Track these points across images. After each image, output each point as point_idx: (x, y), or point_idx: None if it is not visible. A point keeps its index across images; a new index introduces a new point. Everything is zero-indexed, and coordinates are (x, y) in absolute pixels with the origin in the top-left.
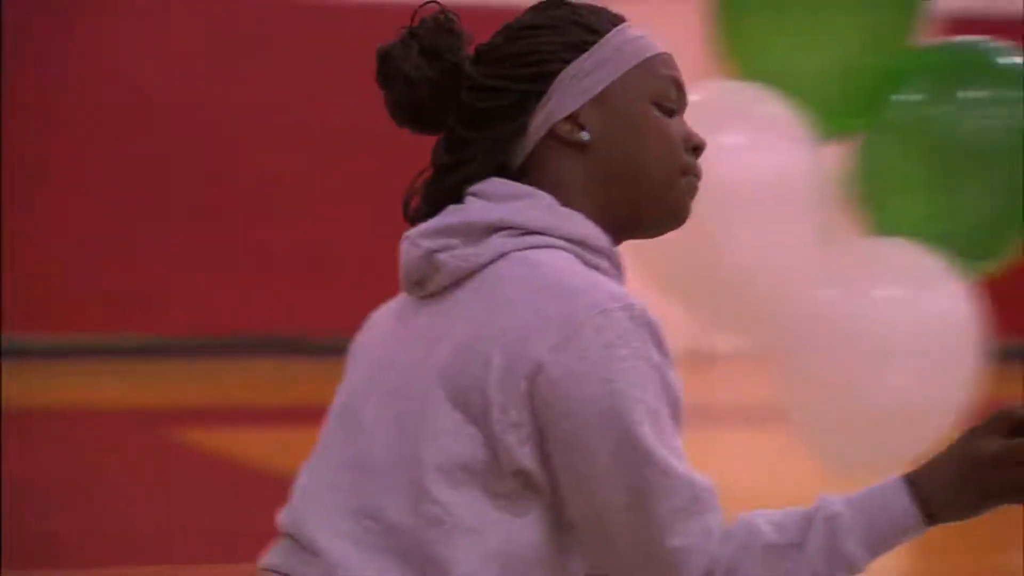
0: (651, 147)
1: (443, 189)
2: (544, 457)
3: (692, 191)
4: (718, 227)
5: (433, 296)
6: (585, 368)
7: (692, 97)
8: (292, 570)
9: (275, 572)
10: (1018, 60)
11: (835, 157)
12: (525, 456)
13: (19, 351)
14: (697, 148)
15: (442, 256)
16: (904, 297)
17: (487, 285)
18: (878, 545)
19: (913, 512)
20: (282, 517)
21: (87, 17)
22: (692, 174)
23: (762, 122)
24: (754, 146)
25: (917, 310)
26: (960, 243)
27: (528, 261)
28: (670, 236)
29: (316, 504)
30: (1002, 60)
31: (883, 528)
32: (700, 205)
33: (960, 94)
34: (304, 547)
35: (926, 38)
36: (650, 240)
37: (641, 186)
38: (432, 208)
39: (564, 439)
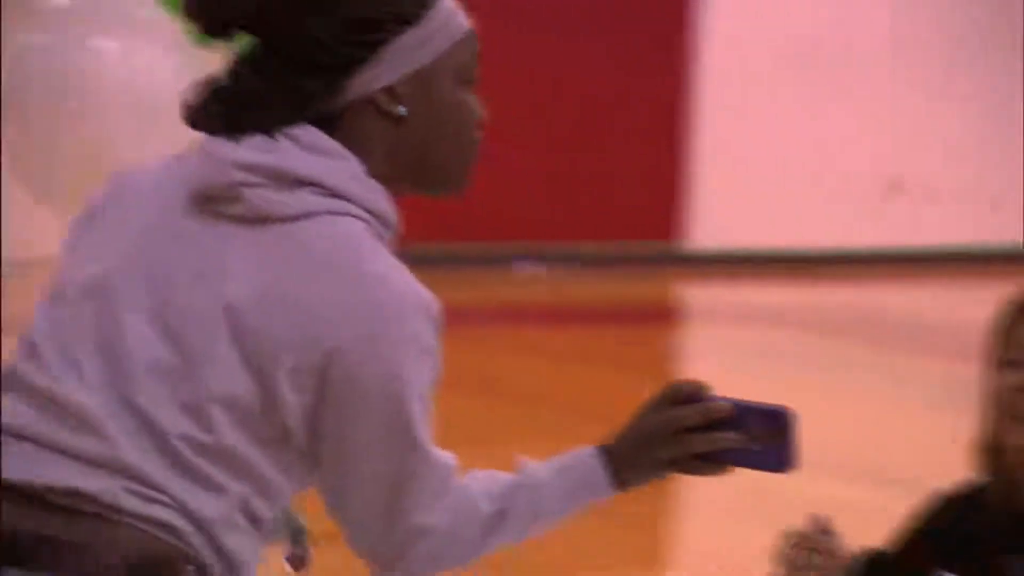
0: (459, 125)
1: (244, 116)
2: (314, 424)
3: (476, 163)
4: (101, 133)
5: (224, 216)
6: (381, 356)
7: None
8: (47, 431)
9: (21, 435)
10: None
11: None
12: (296, 417)
13: None
14: (482, 124)
15: (248, 192)
16: None
17: (292, 241)
18: (574, 507)
19: (606, 480)
20: (28, 373)
21: None
22: (477, 148)
23: (138, 26)
24: (129, 51)
25: None
26: None
27: (336, 229)
28: (54, 142)
29: (84, 383)
30: None
31: (580, 493)
32: (86, 116)
33: None
34: (80, 418)
35: None
36: (34, 147)
37: (442, 160)
38: (228, 127)
39: (343, 414)
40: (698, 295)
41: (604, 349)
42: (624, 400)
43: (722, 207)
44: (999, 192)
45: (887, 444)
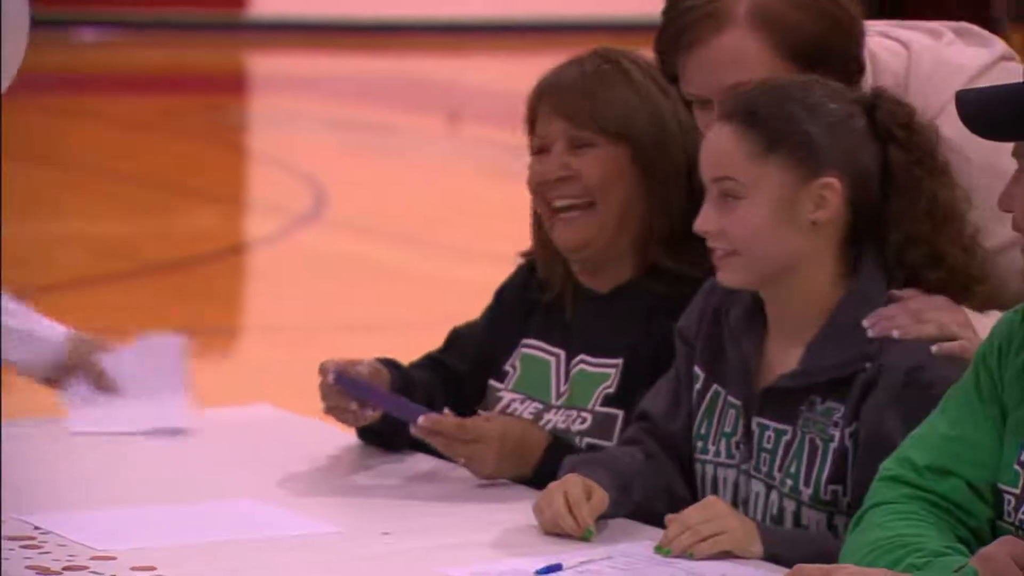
0: None
1: None
2: None
3: None
4: None
5: None
6: None
7: None
8: None
9: None
10: None
11: None
12: None
13: None
14: None
15: None
16: None
17: None
18: None
19: None
20: None
21: None
22: None
23: None
24: None
25: None
26: None
27: None
28: None
29: None
30: None
31: None
32: None
33: None
34: None
35: None
36: None
37: None
38: None
39: None
40: (264, 64)
41: (170, 117)
42: (191, 168)
43: None
44: None
45: (449, 213)
